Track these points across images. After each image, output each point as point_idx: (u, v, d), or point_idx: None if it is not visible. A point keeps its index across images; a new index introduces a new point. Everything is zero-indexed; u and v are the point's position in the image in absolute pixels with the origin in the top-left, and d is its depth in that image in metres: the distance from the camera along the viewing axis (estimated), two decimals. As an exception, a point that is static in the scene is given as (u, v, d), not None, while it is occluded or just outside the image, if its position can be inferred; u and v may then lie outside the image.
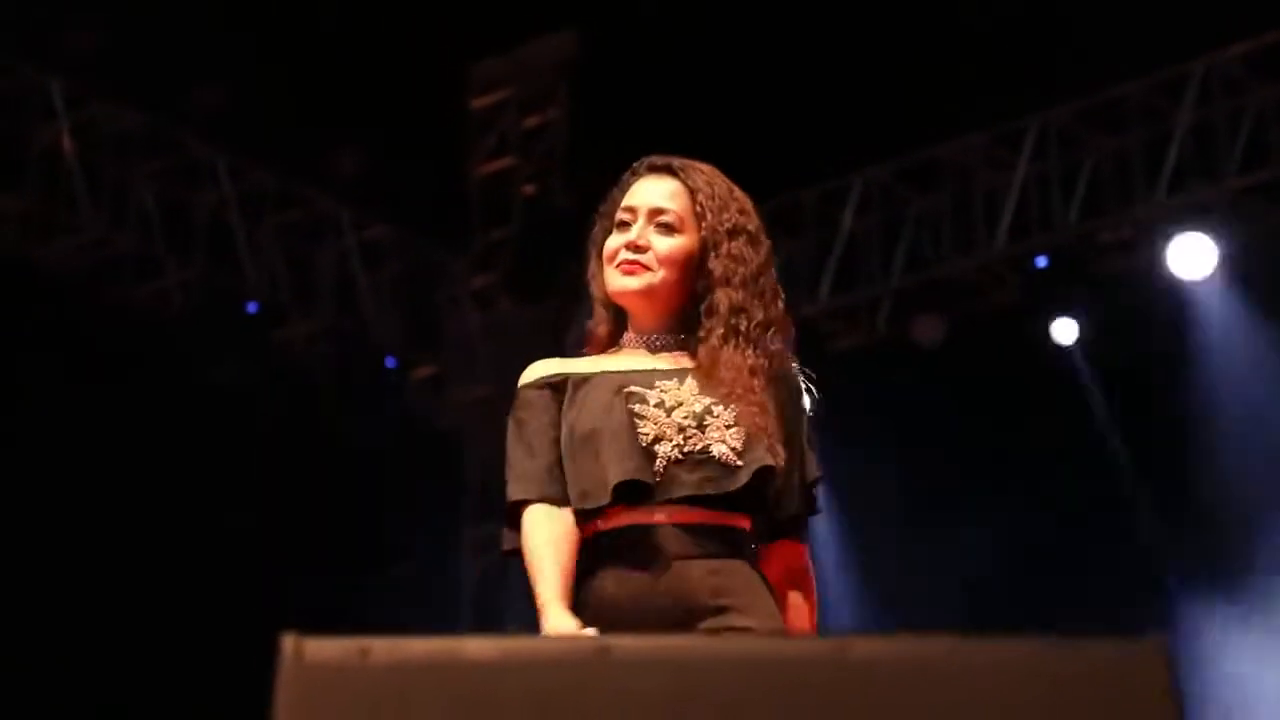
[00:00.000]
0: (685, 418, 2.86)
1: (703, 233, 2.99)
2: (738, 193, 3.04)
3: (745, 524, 2.86)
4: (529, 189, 10.30)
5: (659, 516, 2.83)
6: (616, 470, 2.82)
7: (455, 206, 10.37)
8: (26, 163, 8.77)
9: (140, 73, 8.83)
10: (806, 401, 3.02)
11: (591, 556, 2.85)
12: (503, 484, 2.95)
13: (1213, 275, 8.48)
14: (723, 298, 2.95)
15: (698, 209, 2.99)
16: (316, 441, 9.42)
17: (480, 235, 10.37)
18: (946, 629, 1.79)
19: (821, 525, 3.02)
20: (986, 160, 9.13)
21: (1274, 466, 8.18)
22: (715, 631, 2.76)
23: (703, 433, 2.85)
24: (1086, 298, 8.88)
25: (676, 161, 3.04)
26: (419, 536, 9.61)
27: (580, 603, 2.81)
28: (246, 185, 9.43)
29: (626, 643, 1.77)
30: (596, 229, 3.07)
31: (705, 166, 3.05)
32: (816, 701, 1.73)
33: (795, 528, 2.98)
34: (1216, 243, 8.48)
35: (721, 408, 2.87)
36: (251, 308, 9.51)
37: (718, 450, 2.84)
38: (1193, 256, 8.49)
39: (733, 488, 2.83)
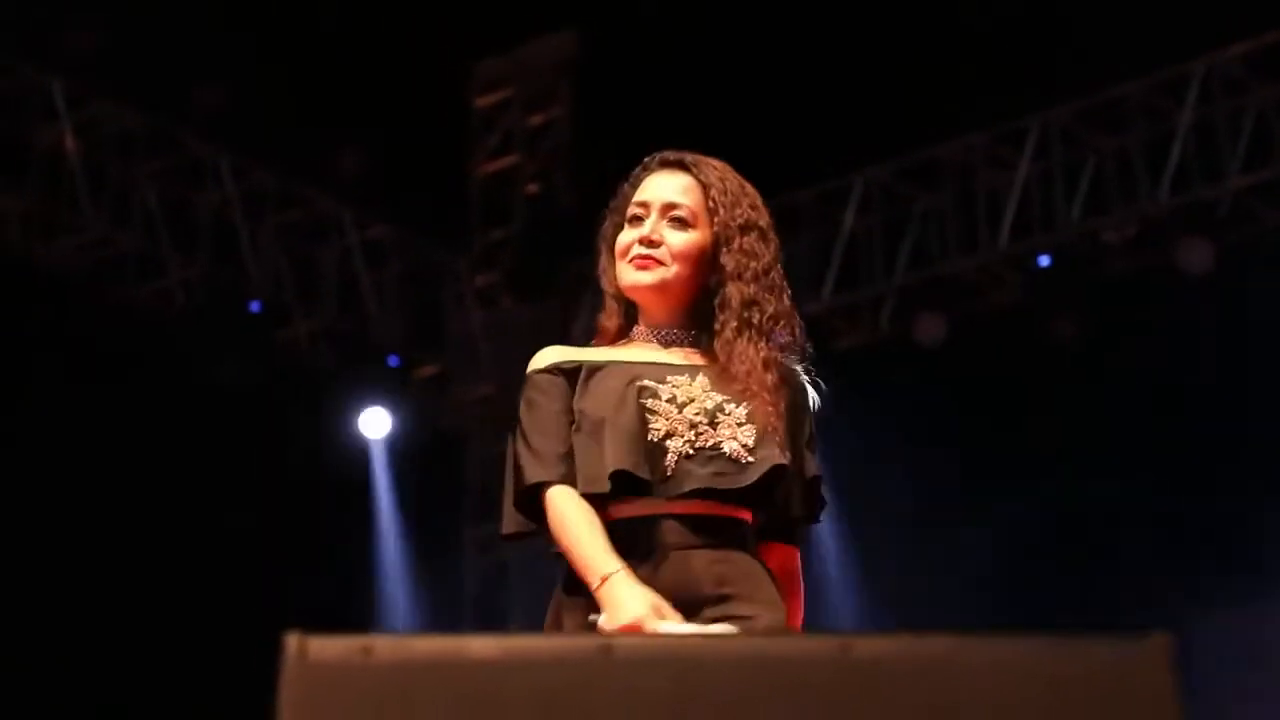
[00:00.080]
0: (697, 414, 2.87)
1: (715, 228, 2.99)
2: (749, 188, 3.05)
3: (747, 516, 2.87)
4: (531, 188, 10.30)
5: (664, 509, 2.83)
6: (614, 460, 2.82)
7: (457, 205, 10.37)
8: (29, 162, 8.78)
9: (142, 72, 8.84)
10: (813, 398, 3.02)
11: None
12: (511, 466, 2.92)
13: (1214, 275, 8.48)
14: (735, 292, 2.96)
15: (710, 204, 3.00)
16: (319, 440, 9.42)
17: (482, 234, 10.38)
18: (948, 628, 1.79)
19: (823, 523, 3.02)
20: (989, 159, 9.13)
21: (1274, 466, 8.18)
22: (718, 620, 2.77)
23: (714, 429, 2.86)
24: (1089, 297, 8.88)
25: (689, 157, 3.04)
26: (422, 535, 9.62)
27: (578, 589, 2.81)
28: (249, 185, 9.44)
29: (629, 641, 1.77)
30: (607, 224, 3.07)
31: (717, 162, 3.06)
32: (819, 700, 1.74)
33: (792, 531, 2.99)
34: (1219, 242, 8.48)
35: (734, 405, 2.88)
36: (254, 307, 9.52)
37: (729, 447, 2.85)
38: (1195, 256, 8.50)
39: (743, 484, 2.83)
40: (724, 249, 2.98)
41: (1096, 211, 8.84)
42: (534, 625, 2.87)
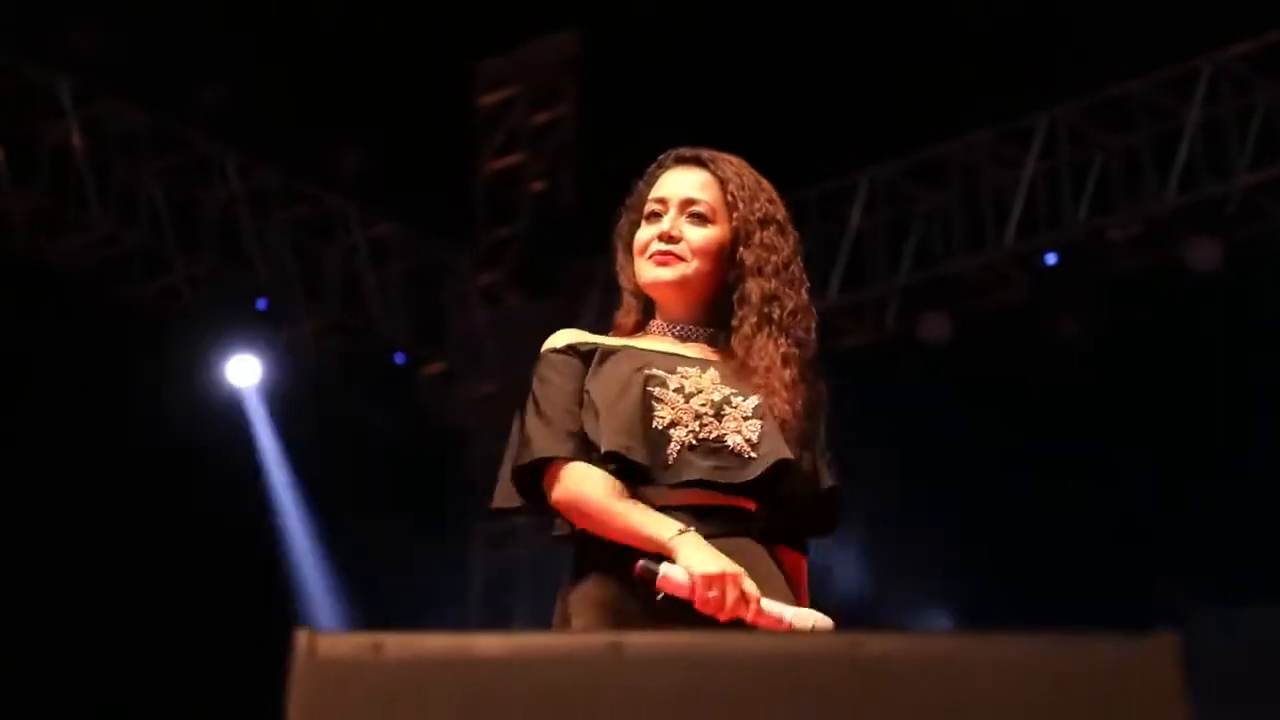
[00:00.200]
0: (703, 405, 2.86)
1: (734, 223, 2.99)
2: (765, 183, 3.05)
3: (751, 506, 2.85)
4: (537, 186, 10.30)
5: (666, 499, 2.81)
6: (607, 442, 2.80)
7: (462, 203, 10.37)
8: (35, 161, 8.79)
9: (148, 71, 8.85)
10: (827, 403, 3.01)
11: (590, 550, 2.84)
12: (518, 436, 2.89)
13: (1222, 273, 8.48)
14: (755, 287, 2.95)
15: (729, 199, 2.99)
16: (324, 438, 9.43)
17: (487, 232, 10.38)
18: (951, 626, 1.80)
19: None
20: (995, 158, 9.12)
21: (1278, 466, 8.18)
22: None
23: (719, 422, 2.85)
24: (1096, 296, 8.88)
25: (705, 153, 3.04)
26: (427, 532, 9.62)
27: (589, 587, 2.81)
28: (255, 182, 9.45)
29: (638, 639, 1.77)
30: (622, 222, 3.06)
31: (733, 158, 3.05)
32: (827, 698, 1.74)
33: (801, 539, 2.97)
34: (1226, 240, 8.48)
35: (741, 399, 2.87)
36: (260, 304, 9.53)
37: (733, 440, 2.83)
38: (1202, 254, 8.49)
39: (744, 479, 2.82)
40: (743, 244, 2.97)
41: (1103, 210, 8.83)
42: (540, 623, 2.86)
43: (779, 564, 2.88)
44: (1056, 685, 1.74)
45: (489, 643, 1.74)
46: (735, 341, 2.94)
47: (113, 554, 8.55)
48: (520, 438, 2.88)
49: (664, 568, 2.70)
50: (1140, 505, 8.49)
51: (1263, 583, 8.16)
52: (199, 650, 8.42)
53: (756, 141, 3.41)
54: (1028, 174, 8.95)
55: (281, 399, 9.32)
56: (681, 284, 2.97)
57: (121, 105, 9.02)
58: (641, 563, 2.71)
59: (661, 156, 3.07)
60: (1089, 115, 8.91)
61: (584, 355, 2.92)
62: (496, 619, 9.75)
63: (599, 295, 9.54)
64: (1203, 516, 8.28)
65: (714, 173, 3.02)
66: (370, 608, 9.24)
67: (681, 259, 2.97)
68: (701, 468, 2.81)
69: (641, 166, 3.14)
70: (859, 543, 8.50)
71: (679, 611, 2.71)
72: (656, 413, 2.84)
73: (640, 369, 2.87)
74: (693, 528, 2.75)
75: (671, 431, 2.83)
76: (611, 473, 2.81)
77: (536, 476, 2.86)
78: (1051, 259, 9.04)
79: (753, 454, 2.83)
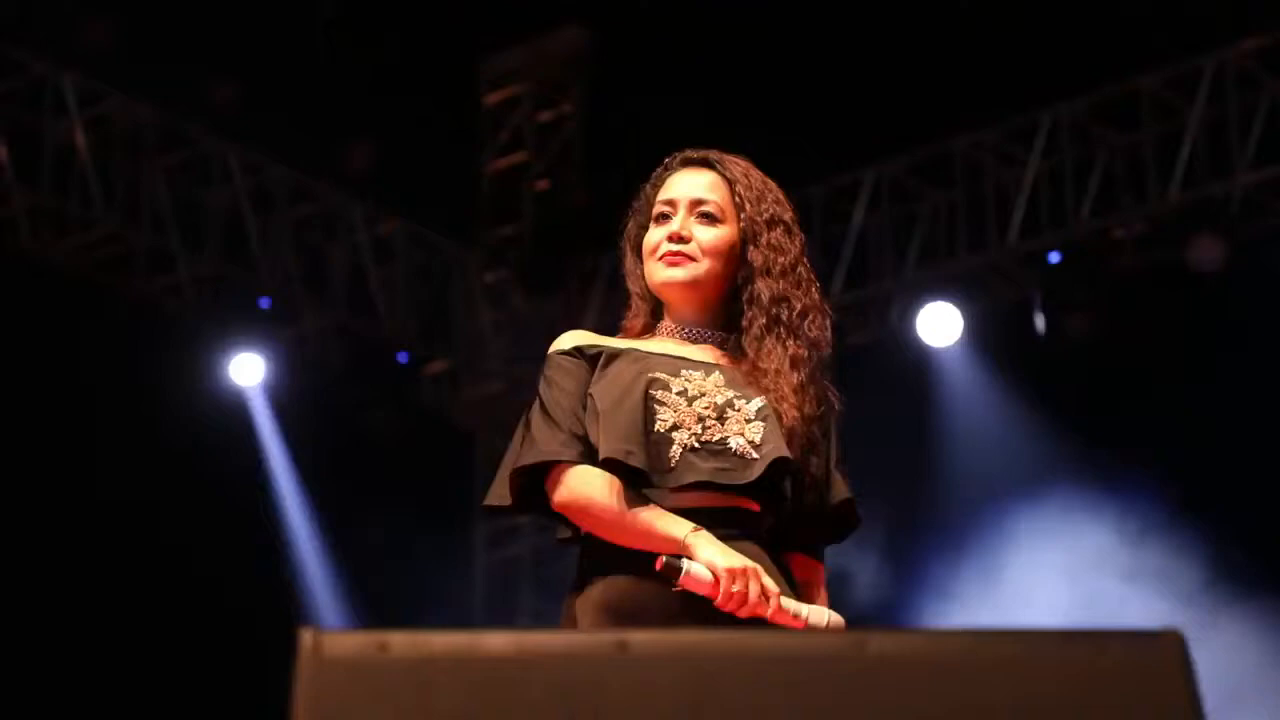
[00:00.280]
0: (706, 408, 2.86)
1: (742, 223, 2.99)
2: (772, 184, 3.05)
3: (754, 507, 2.85)
4: (541, 184, 10.30)
5: (669, 501, 2.82)
6: (606, 448, 2.81)
7: (467, 202, 10.38)
8: (40, 158, 8.79)
9: (153, 68, 8.85)
10: (838, 409, 3.00)
11: (595, 552, 2.85)
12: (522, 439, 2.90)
13: (1225, 271, 8.47)
14: (763, 288, 2.95)
15: (737, 199, 3.00)
16: (329, 437, 9.43)
17: (492, 231, 10.38)
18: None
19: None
20: (999, 156, 9.12)
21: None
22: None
23: (722, 425, 2.85)
24: (1099, 294, 8.87)
25: (712, 154, 3.05)
26: (431, 530, 9.62)
27: (595, 591, 2.81)
28: (259, 180, 9.45)
29: (644, 637, 1.77)
30: (630, 226, 3.06)
31: (739, 159, 3.06)
32: (834, 696, 1.74)
33: (813, 546, 2.96)
34: (1230, 238, 8.47)
35: (745, 402, 2.87)
36: (264, 303, 9.53)
37: (735, 443, 2.83)
38: (1206, 252, 8.49)
39: (746, 479, 2.82)
40: (751, 244, 2.98)
41: (1107, 208, 8.83)
42: (542, 621, 2.86)
43: (784, 569, 2.88)
44: (1064, 683, 1.74)
45: (495, 641, 1.73)
46: (745, 343, 2.94)
47: (115, 553, 8.56)
48: (525, 438, 2.88)
49: (686, 564, 2.70)
50: (1145, 503, 8.47)
51: (1264, 581, 8.15)
52: (203, 649, 8.43)
53: (761, 138, 3.41)
54: (1031, 172, 8.95)
55: (285, 397, 9.32)
56: (693, 284, 2.97)
57: (126, 103, 9.02)
58: (665, 558, 2.71)
59: (667, 159, 3.08)
60: (1093, 113, 8.90)
61: (590, 358, 2.92)
62: (499, 617, 9.75)
63: (603, 293, 9.54)
64: (1204, 515, 8.27)
65: (721, 173, 3.02)
66: (374, 606, 9.25)
67: (692, 259, 2.97)
68: (703, 469, 2.82)
69: (646, 164, 3.14)
70: (874, 548, 8.47)
71: (689, 614, 2.72)
72: (659, 416, 2.84)
73: (643, 372, 2.88)
74: (703, 528, 2.76)
75: (674, 435, 2.83)
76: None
77: (539, 478, 2.86)
78: (1055, 257, 9.04)
79: (755, 455, 2.83)
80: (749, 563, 2.72)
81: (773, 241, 2.98)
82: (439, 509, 9.66)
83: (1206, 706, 1.73)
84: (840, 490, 2.95)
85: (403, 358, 10.14)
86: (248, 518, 8.87)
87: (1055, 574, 8.22)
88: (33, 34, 8.68)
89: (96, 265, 9.17)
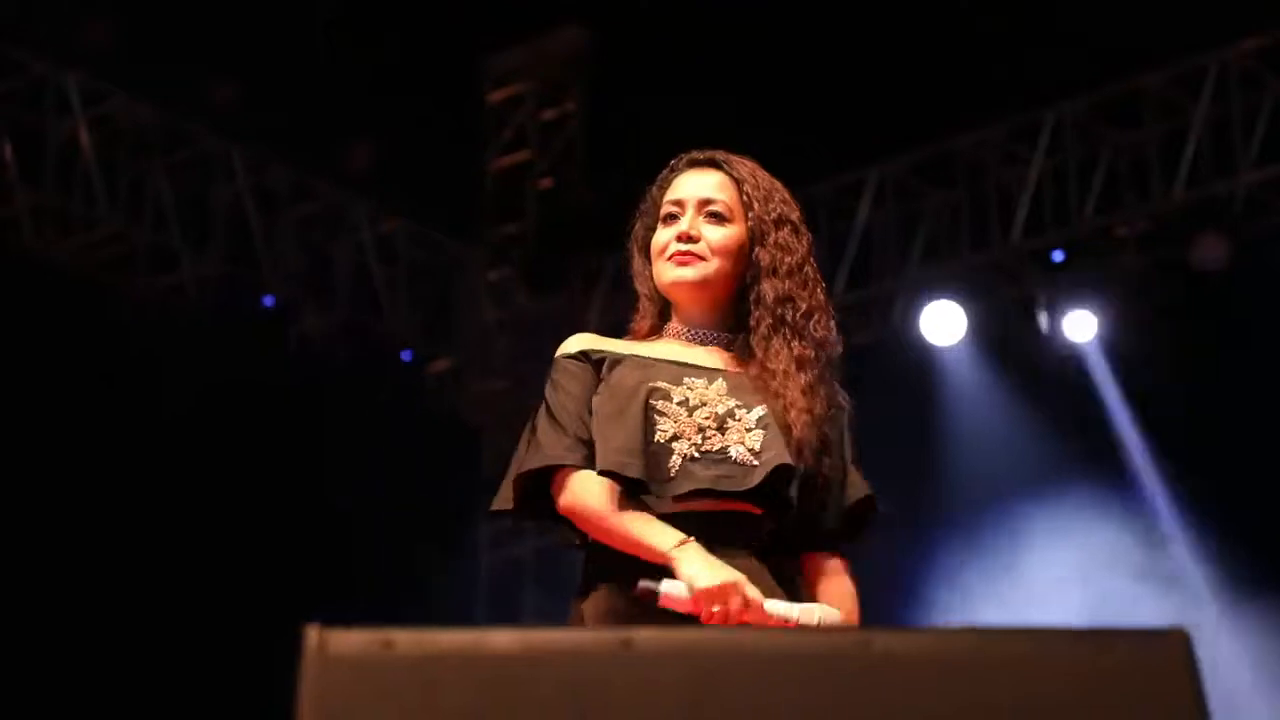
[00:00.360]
0: (707, 418, 2.86)
1: (750, 222, 3.00)
2: (778, 184, 3.06)
3: (756, 510, 2.84)
4: (545, 182, 10.30)
5: (670, 509, 2.82)
6: (603, 459, 2.81)
7: (470, 200, 10.38)
8: (43, 158, 8.79)
9: (156, 67, 8.85)
10: (849, 410, 3.00)
11: (599, 557, 2.85)
12: (528, 442, 2.91)
13: (1229, 270, 8.47)
14: (770, 288, 2.96)
15: (744, 199, 3.00)
16: (332, 435, 9.43)
17: (495, 229, 10.38)
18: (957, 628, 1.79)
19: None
20: (1002, 154, 9.12)
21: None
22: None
23: (722, 434, 2.85)
24: (1103, 292, 8.87)
25: (719, 155, 3.05)
26: (434, 528, 9.62)
27: (600, 596, 2.81)
28: (262, 179, 9.45)
29: (649, 635, 1.77)
30: (637, 227, 3.07)
31: (746, 159, 3.06)
32: (839, 694, 1.74)
33: (832, 544, 2.95)
34: (1232, 237, 8.47)
35: (746, 411, 2.86)
36: (268, 301, 9.53)
37: (735, 452, 2.84)
38: (1209, 251, 8.48)
39: (746, 487, 2.82)
40: (758, 244, 2.98)
41: (1110, 207, 8.83)
42: (546, 620, 2.87)
43: (787, 571, 2.87)
44: (1069, 682, 1.74)
45: (500, 639, 1.74)
46: (753, 343, 2.94)
47: (119, 550, 8.56)
48: (531, 442, 2.89)
49: (664, 586, 2.70)
50: (1149, 501, 8.47)
51: (1268, 579, 8.15)
52: (208, 646, 8.43)
53: (764, 137, 3.41)
54: (1035, 170, 8.95)
55: (289, 395, 9.32)
56: (702, 284, 2.97)
57: (129, 102, 9.03)
58: (642, 584, 2.72)
59: (673, 161, 3.08)
60: (1097, 112, 8.90)
61: (595, 362, 2.93)
62: (502, 617, 9.75)
63: (607, 291, 9.54)
64: (1207, 514, 8.27)
65: (729, 173, 3.03)
66: (376, 605, 9.25)
67: (702, 258, 2.97)
68: (703, 478, 2.82)
69: (649, 163, 3.15)
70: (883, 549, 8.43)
71: (693, 621, 2.72)
72: (659, 426, 2.84)
73: (645, 381, 2.88)
74: (693, 538, 2.74)
75: (673, 445, 2.84)
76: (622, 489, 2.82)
77: (545, 482, 2.86)
78: (1058, 256, 9.03)
79: (755, 462, 2.82)
80: (730, 576, 2.70)
81: (780, 241, 2.99)
82: (442, 506, 9.66)
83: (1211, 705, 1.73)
84: (859, 487, 2.94)
85: (406, 356, 10.14)
86: (250, 514, 8.86)
87: (1067, 574, 8.20)
88: (35, 33, 8.68)
89: (100, 264, 9.17)
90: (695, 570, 2.70)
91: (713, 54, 8.93)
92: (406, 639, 1.73)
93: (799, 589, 2.87)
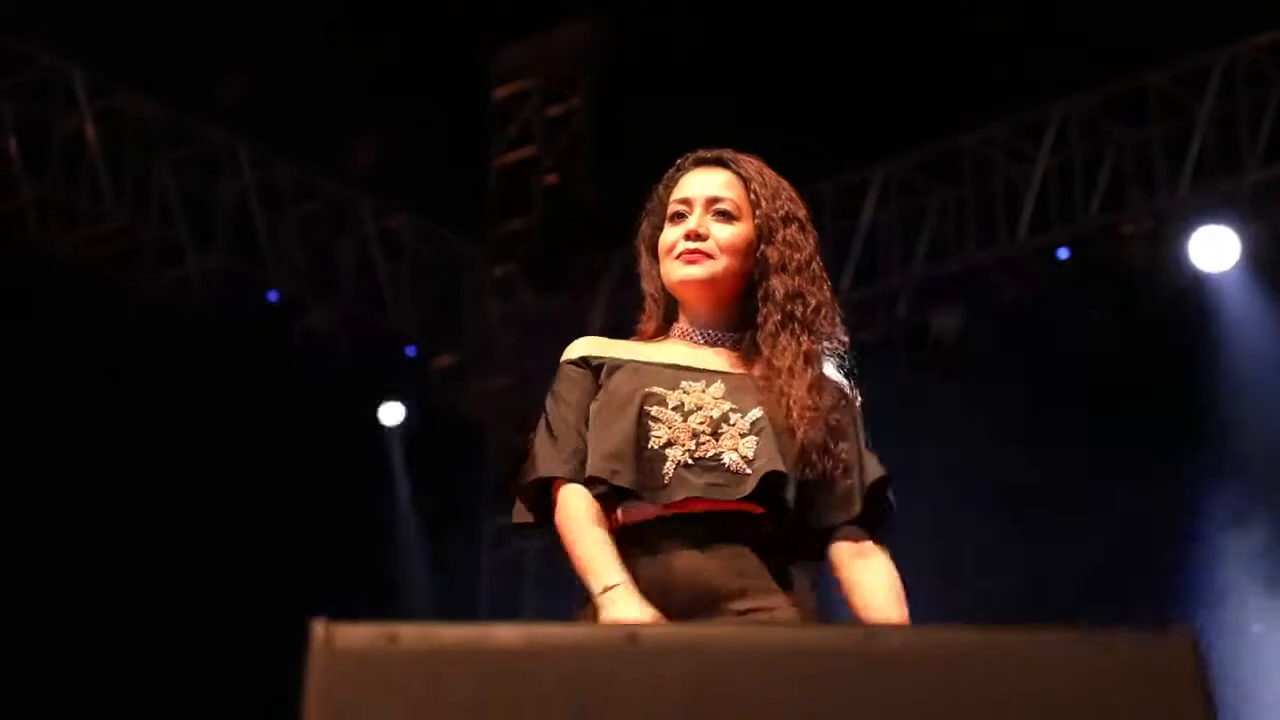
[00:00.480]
0: (701, 423, 2.85)
1: (757, 220, 2.99)
2: (784, 182, 3.06)
3: (757, 510, 2.83)
4: (550, 179, 10.30)
5: (669, 513, 2.82)
6: (593, 466, 2.83)
7: (475, 196, 10.38)
8: (49, 151, 8.80)
9: (162, 62, 8.86)
10: (856, 399, 3.00)
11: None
12: (525, 454, 2.94)
13: (1235, 267, 8.46)
14: (779, 285, 2.96)
15: (752, 197, 3.00)
16: (335, 431, 9.44)
17: (500, 225, 10.38)
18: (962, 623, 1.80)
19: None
20: (1007, 152, 9.12)
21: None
22: (742, 613, 2.76)
23: (716, 440, 2.84)
24: (1108, 290, 8.87)
25: (725, 153, 3.05)
26: (439, 525, 9.63)
27: (589, 609, 2.82)
28: (268, 174, 9.45)
29: (654, 630, 1.78)
30: (644, 227, 3.06)
31: (751, 158, 3.06)
32: (843, 691, 1.74)
33: (859, 525, 2.91)
34: (1239, 235, 8.46)
35: (740, 415, 2.86)
36: (272, 296, 9.54)
37: (729, 458, 2.83)
38: (1215, 248, 8.48)
39: (738, 495, 2.81)
40: (766, 242, 2.98)
41: (1116, 204, 8.82)
42: (547, 616, 2.87)
43: (786, 572, 2.85)
44: (1075, 680, 1.74)
45: (505, 634, 1.74)
46: (760, 339, 2.94)
47: (124, 544, 8.56)
48: (530, 455, 2.92)
49: None
50: (1152, 499, 8.47)
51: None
52: (212, 640, 8.44)
53: (770, 134, 3.42)
54: (1040, 168, 8.95)
55: (295, 390, 9.32)
56: (710, 282, 2.97)
57: (135, 96, 9.03)
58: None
59: (680, 160, 3.08)
60: (1102, 109, 8.90)
61: (595, 368, 2.94)
62: (503, 615, 9.75)
63: (612, 288, 9.54)
64: (1221, 509, 8.27)
65: (736, 172, 3.03)
66: (378, 601, 9.26)
67: (710, 256, 2.97)
68: (696, 485, 2.82)
69: (655, 159, 3.15)
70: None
71: (685, 606, 2.74)
72: (653, 433, 2.84)
73: (641, 386, 2.88)
74: (624, 582, 2.74)
75: (667, 451, 2.84)
76: (601, 494, 2.83)
77: (546, 493, 2.89)
78: (1064, 253, 9.03)
79: (748, 470, 2.82)
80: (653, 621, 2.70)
81: (788, 238, 2.99)
82: (445, 502, 9.67)
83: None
84: (875, 469, 2.94)
85: (411, 352, 10.15)
86: (253, 509, 8.87)
87: None
88: (42, 27, 8.69)
89: (105, 259, 9.18)
90: (619, 614, 2.71)
91: (719, 52, 8.93)
92: (412, 633, 1.73)
93: (796, 587, 2.86)
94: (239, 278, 9.42)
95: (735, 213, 3.00)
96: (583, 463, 2.85)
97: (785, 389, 2.88)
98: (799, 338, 2.93)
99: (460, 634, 1.75)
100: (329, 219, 9.76)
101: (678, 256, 2.98)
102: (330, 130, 9.43)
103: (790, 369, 2.90)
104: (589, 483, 2.83)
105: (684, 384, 2.89)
